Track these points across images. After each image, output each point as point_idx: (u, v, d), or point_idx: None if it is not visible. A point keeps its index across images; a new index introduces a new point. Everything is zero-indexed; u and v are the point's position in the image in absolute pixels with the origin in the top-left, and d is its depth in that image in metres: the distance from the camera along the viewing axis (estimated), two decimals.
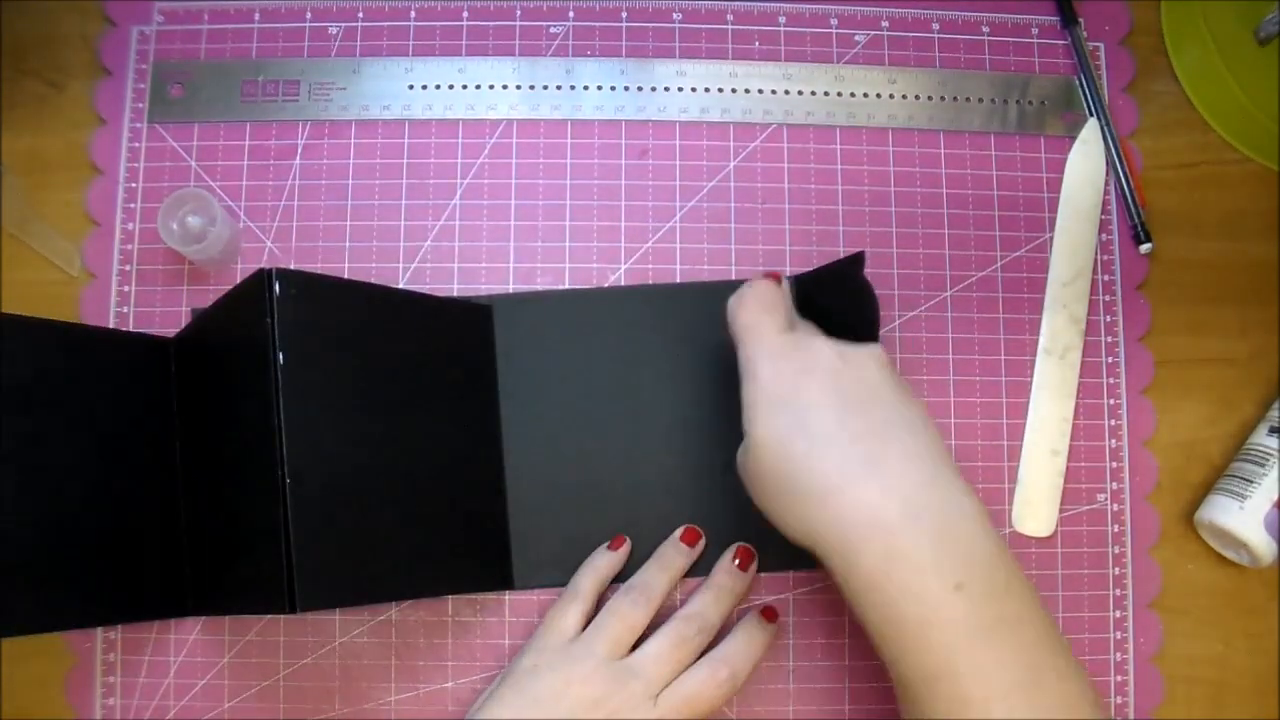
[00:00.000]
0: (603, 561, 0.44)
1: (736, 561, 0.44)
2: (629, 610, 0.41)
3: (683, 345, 0.46)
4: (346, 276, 0.46)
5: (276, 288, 0.36)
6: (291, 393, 0.36)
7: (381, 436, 0.40)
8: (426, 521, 0.41)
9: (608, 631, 0.41)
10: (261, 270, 0.37)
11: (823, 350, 0.37)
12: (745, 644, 0.42)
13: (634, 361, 0.46)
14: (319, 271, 0.41)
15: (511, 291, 0.47)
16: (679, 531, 0.44)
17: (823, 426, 0.35)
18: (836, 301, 0.42)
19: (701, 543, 0.44)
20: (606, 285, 0.47)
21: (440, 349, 0.44)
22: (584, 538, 0.45)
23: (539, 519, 0.45)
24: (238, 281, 0.44)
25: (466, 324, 0.45)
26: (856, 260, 0.41)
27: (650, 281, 0.47)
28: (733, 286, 0.43)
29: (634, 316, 0.47)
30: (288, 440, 0.35)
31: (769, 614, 0.44)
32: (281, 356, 0.36)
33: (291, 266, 0.46)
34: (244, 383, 0.39)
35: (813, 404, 0.36)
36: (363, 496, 0.39)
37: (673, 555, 0.44)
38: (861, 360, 0.37)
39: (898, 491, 0.34)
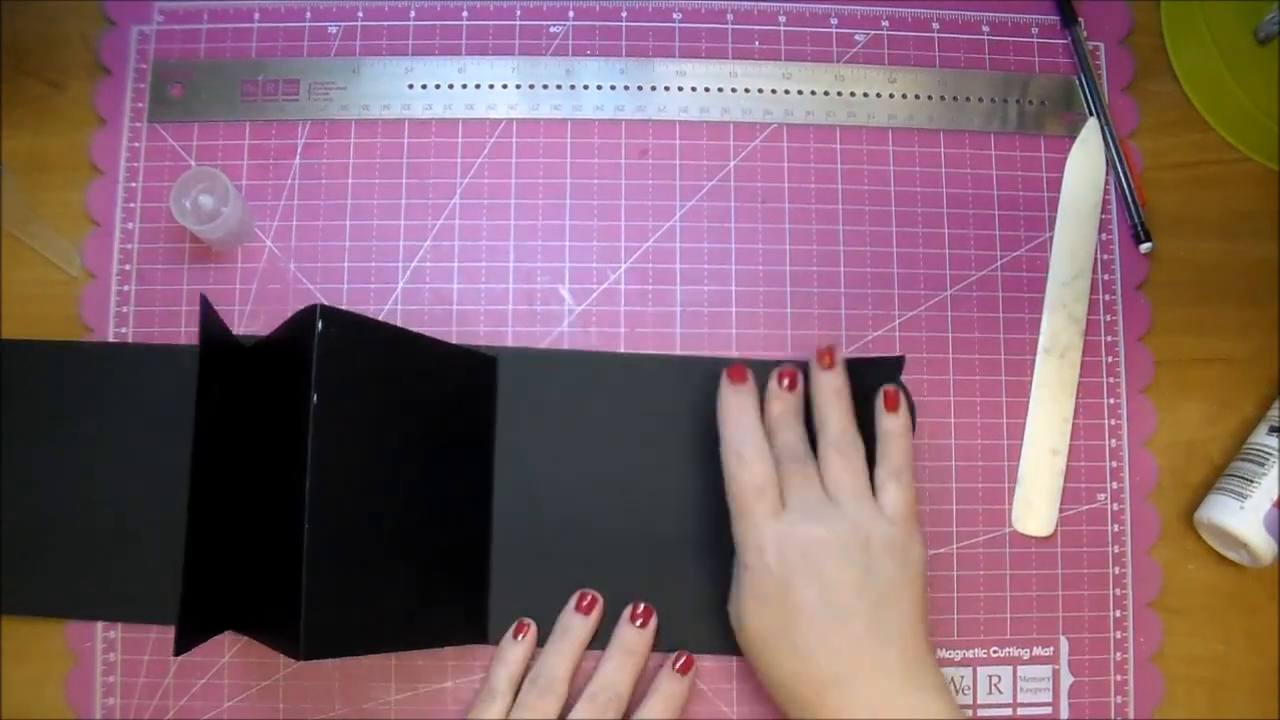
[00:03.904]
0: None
1: (639, 623, 0.43)
2: (536, 701, 0.41)
3: (683, 420, 0.45)
4: (347, 282, 0.47)
5: (319, 326, 0.37)
6: (320, 440, 0.36)
7: (392, 485, 0.40)
8: (422, 573, 0.41)
9: None
10: (313, 306, 0.37)
11: (811, 545, 0.39)
12: (663, 703, 0.42)
13: (631, 431, 0.45)
14: (354, 311, 0.42)
15: (520, 346, 0.46)
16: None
17: (804, 640, 0.38)
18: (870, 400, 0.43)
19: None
20: (623, 351, 0.46)
21: (446, 397, 0.43)
22: (562, 598, 0.44)
23: (519, 577, 0.44)
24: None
25: (471, 373, 0.45)
26: (896, 364, 0.43)
27: (649, 283, 0.47)
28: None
29: (637, 385, 0.46)
30: (310, 492, 0.36)
31: (684, 665, 0.43)
32: (315, 397, 0.36)
33: (292, 267, 0.46)
34: (282, 415, 0.39)
35: (797, 610, 0.38)
36: (373, 547, 0.39)
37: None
38: (857, 548, 0.39)
39: (868, 708, 0.37)
